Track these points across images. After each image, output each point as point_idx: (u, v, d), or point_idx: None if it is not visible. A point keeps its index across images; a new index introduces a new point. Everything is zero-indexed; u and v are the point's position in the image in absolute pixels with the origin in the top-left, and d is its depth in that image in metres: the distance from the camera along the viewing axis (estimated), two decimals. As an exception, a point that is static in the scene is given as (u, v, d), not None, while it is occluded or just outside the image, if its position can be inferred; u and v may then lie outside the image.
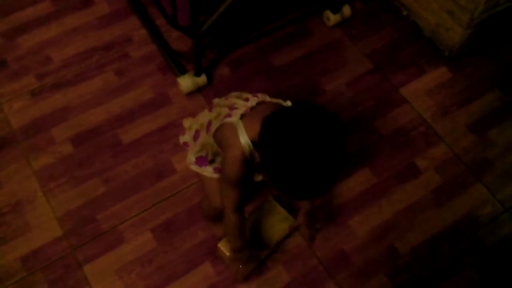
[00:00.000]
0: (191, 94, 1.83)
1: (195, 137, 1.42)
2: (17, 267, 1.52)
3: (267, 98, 1.32)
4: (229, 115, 1.23)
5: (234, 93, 1.40)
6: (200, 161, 1.42)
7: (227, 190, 1.27)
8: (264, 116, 1.11)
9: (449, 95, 1.89)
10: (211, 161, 1.41)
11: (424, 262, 1.60)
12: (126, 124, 1.77)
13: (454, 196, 1.71)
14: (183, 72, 1.82)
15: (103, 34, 1.95)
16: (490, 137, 1.82)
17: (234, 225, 1.31)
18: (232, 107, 1.27)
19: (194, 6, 1.55)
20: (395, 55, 1.97)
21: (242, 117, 1.22)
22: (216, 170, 1.40)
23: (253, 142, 1.17)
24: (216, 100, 1.45)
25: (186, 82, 1.78)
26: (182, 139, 1.49)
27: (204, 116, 1.39)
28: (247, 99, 1.29)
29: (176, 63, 1.85)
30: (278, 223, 1.54)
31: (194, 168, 1.44)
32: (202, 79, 1.80)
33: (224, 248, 1.47)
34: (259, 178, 1.40)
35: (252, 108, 1.25)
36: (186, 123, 1.49)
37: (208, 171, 1.42)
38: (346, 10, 1.98)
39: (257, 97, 1.30)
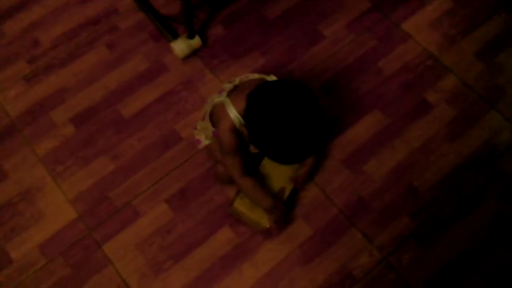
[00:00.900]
0: (187, 58, 1.77)
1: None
2: (36, 255, 1.50)
3: (253, 76, 1.44)
4: (218, 98, 1.37)
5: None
6: (198, 141, 1.53)
7: (229, 161, 1.36)
8: (249, 92, 1.23)
9: (453, 24, 1.82)
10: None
11: (446, 198, 1.56)
12: (125, 98, 1.72)
13: (469, 127, 1.66)
14: (175, 36, 1.76)
15: (87, 9, 1.88)
16: (499, 63, 1.76)
17: (250, 187, 1.38)
18: (220, 91, 1.40)
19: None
20: (392, -10, 1.90)
21: (229, 94, 1.34)
22: (214, 133, 1.43)
23: (242, 115, 1.28)
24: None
25: (180, 46, 1.73)
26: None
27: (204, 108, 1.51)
28: (233, 81, 1.43)
29: (168, 28, 1.79)
30: (281, 178, 1.50)
31: (201, 146, 1.53)
32: (196, 41, 1.74)
33: (240, 206, 1.44)
34: (254, 149, 1.44)
35: (236, 86, 1.39)
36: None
37: (208, 138, 1.48)
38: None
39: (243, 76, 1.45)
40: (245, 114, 1.24)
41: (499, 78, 1.73)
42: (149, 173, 1.60)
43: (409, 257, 1.49)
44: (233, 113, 1.30)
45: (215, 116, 1.37)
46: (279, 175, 1.49)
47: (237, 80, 1.43)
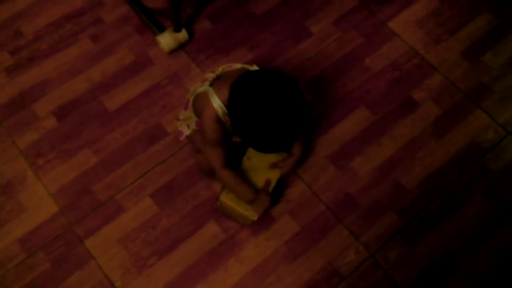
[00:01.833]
0: (173, 52, 1.75)
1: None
2: (16, 249, 1.46)
3: (235, 66, 1.44)
4: (201, 87, 1.36)
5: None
6: (180, 133, 1.52)
7: (211, 152, 1.36)
8: (232, 81, 1.23)
9: (439, 23, 1.83)
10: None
11: (433, 195, 1.57)
12: (110, 90, 1.69)
13: (455, 125, 1.67)
14: (161, 29, 1.74)
15: (72, 1, 1.84)
16: (484, 62, 1.77)
17: (231, 179, 1.39)
18: (203, 80, 1.40)
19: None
20: (379, -12, 1.90)
21: (212, 84, 1.34)
22: (197, 123, 1.43)
23: (225, 105, 1.28)
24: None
25: (166, 39, 1.70)
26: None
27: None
28: (216, 71, 1.42)
29: (153, 21, 1.76)
30: (266, 170, 1.48)
31: (183, 138, 1.52)
32: (183, 34, 1.72)
33: (227, 200, 1.43)
34: (236, 138, 1.42)
35: (219, 76, 1.39)
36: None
37: (191, 128, 1.48)
38: None
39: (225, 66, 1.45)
40: (228, 103, 1.23)
41: (485, 77, 1.74)
42: (134, 167, 1.58)
43: (396, 254, 1.49)
44: (217, 103, 1.29)
45: (198, 106, 1.37)
46: (265, 167, 1.48)
47: (219, 70, 1.42)
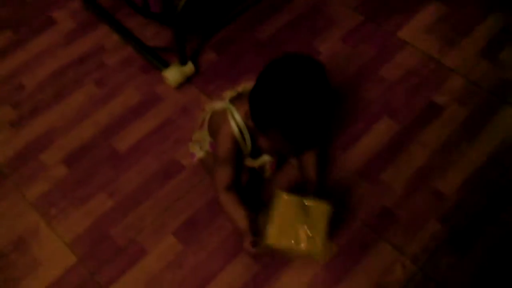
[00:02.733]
0: (181, 86, 1.69)
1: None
2: (35, 307, 1.34)
3: None
4: (219, 104, 1.29)
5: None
6: (193, 155, 1.44)
7: (219, 171, 1.26)
8: None
9: (450, 27, 1.78)
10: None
11: (474, 198, 1.45)
12: (119, 132, 1.61)
13: (484, 125, 1.58)
14: (166, 65, 1.69)
15: (73, 49, 1.80)
16: (503, 59, 1.70)
17: (230, 202, 1.27)
18: (221, 98, 1.32)
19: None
20: (382, 1, 1.86)
21: (232, 101, 1.26)
22: (211, 144, 1.34)
23: (246, 120, 1.20)
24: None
25: (172, 74, 1.64)
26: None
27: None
28: (237, 89, 1.35)
29: (157, 58, 1.71)
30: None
31: (195, 160, 1.44)
32: (189, 67, 1.67)
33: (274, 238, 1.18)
34: (250, 163, 1.34)
35: (240, 94, 1.30)
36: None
37: (204, 150, 1.39)
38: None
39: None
40: (252, 92, 1.13)
41: (507, 73, 1.67)
42: (152, 206, 1.47)
43: (446, 263, 1.36)
44: (236, 119, 1.22)
45: (215, 123, 1.30)
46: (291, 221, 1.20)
47: (241, 87, 1.35)
